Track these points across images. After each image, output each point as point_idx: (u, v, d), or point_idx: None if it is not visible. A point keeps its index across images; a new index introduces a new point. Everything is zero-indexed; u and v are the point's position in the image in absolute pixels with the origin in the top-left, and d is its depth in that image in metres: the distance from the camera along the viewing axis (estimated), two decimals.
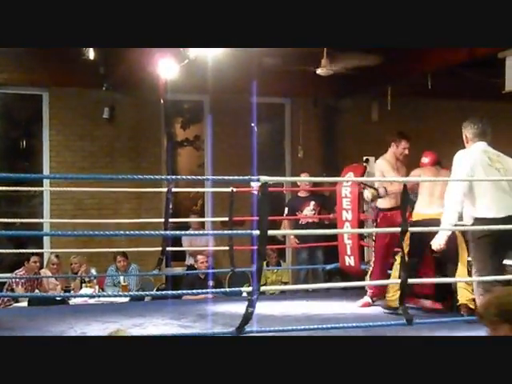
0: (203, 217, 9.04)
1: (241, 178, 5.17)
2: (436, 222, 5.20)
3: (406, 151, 6.28)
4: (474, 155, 4.90)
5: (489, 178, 4.80)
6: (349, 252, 7.25)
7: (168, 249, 6.71)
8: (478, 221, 4.79)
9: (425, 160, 6.16)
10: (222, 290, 5.59)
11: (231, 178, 5.49)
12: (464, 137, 5.04)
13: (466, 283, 5.43)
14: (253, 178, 4.76)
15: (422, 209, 5.94)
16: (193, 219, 8.71)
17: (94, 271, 7.67)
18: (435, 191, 5.79)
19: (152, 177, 5.45)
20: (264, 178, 4.55)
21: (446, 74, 8.01)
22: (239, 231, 5.69)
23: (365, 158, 7.70)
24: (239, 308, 5.36)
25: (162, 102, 8.33)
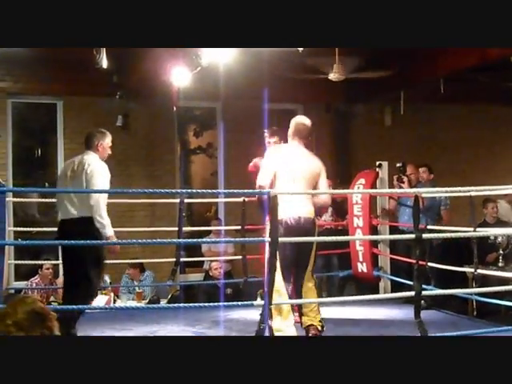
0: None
1: (251, 191, 5.31)
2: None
3: None
4: None
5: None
6: (361, 259, 7.27)
7: (182, 259, 6.75)
8: None
9: None
10: (233, 303, 5.53)
11: (242, 191, 5.60)
12: None
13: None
14: (263, 191, 4.77)
15: None
16: (212, 227, 8.64)
17: (107, 278, 7.72)
18: None
19: (164, 190, 5.53)
20: (273, 192, 4.56)
21: (459, 78, 7.97)
22: (251, 238, 5.62)
23: (378, 163, 7.72)
24: (254, 314, 5.39)
25: (174, 109, 8.37)
